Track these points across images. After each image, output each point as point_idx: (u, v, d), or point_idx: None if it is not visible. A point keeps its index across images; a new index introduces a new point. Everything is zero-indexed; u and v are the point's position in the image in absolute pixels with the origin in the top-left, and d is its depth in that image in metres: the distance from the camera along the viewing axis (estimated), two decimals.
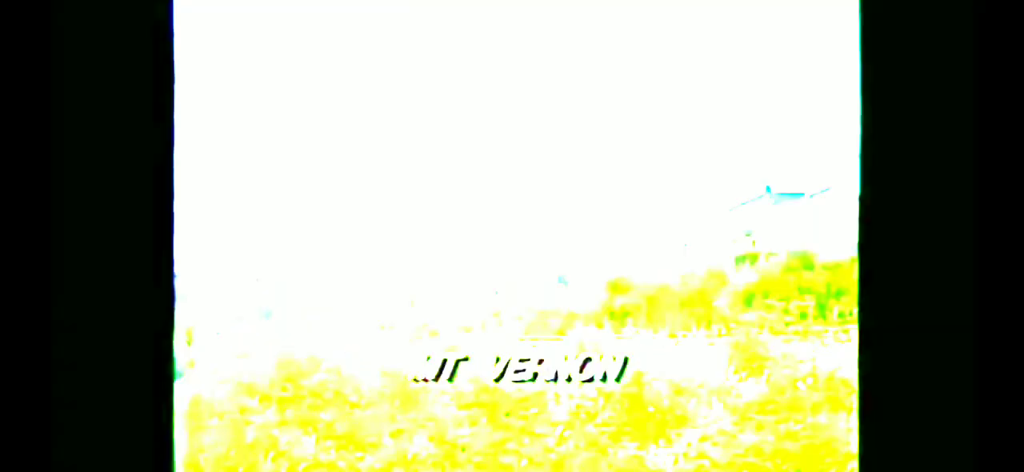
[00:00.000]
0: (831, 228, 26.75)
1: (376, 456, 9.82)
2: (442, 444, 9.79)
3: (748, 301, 22.19)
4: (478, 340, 20.83)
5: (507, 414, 10.88)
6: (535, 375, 14.89)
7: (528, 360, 17.52)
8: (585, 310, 30.74)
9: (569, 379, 13.63)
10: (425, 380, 15.65)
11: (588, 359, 15.29)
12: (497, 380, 14.04)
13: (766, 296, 19.74)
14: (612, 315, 28.01)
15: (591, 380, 13.10)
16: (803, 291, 20.36)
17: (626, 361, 14.01)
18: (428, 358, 18.62)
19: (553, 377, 14.29)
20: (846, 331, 15.00)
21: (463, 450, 9.63)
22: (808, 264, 27.66)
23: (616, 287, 33.50)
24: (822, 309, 17.98)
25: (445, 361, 17.34)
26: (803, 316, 16.01)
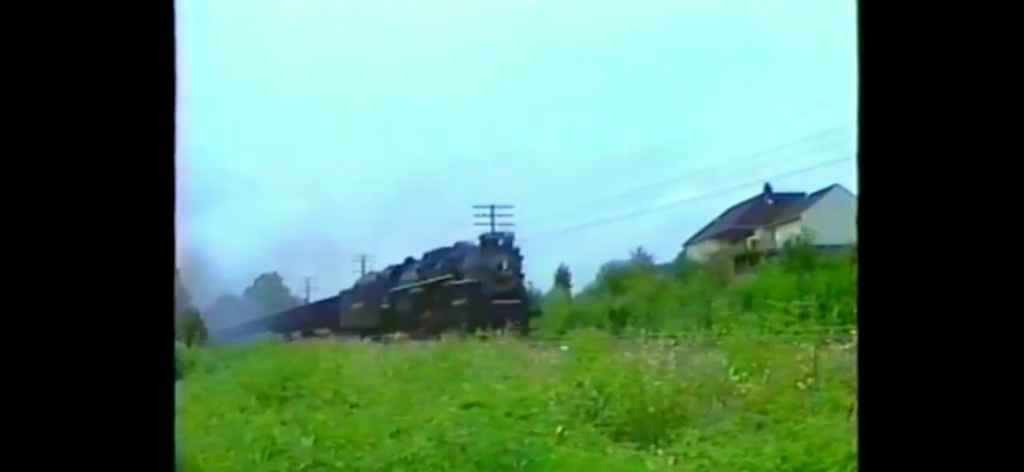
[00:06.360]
0: (831, 228, 26.73)
1: (376, 456, 9.80)
2: (442, 444, 9.76)
3: (748, 301, 22.17)
4: (477, 339, 20.85)
5: (507, 414, 10.85)
6: (535, 375, 14.86)
7: (528, 359, 17.49)
8: (585, 310, 30.67)
9: (568, 379, 13.62)
10: (425, 380, 15.63)
11: (588, 357, 15.28)
12: (496, 380, 14.04)
13: (766, 296, 19.72)
14: (612, 315, 27.98)
15: (589, 379, 13.09)
16: (803, 291, 20.32)
17: (626, 360, 14.00)
18: (428, 359, 18.60)
19: (553, 378, 14.28)
20: (846, 331, 14.96)
21: (463, 450, 9.60)
22: (808, 264, 27.59)
23: (616, 287, 33.45)
24: (822, 309, 17.94)
25: (445, 361, 17.33)
26: (803, 316, 15.98)
